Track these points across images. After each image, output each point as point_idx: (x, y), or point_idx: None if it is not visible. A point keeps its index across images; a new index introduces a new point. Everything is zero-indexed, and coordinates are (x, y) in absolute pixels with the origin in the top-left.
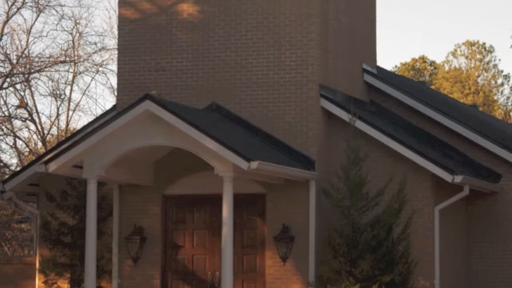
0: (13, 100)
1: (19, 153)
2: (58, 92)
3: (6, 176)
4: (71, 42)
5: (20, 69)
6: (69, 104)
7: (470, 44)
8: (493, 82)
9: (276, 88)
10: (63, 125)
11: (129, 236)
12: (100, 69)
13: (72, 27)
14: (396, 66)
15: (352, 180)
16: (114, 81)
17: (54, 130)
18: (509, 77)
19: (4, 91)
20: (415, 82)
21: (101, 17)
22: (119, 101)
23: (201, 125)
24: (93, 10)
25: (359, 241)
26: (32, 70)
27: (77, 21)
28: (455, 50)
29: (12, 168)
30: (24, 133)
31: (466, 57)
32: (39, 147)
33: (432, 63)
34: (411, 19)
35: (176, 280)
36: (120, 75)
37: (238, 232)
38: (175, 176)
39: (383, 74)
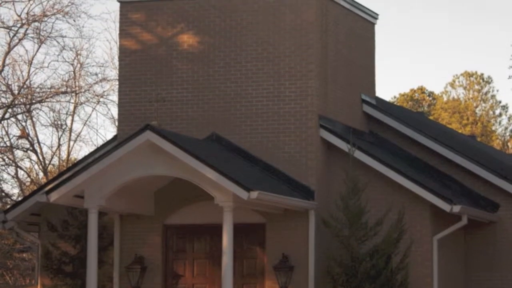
0: (15, 131)
1: (21, 183)
2: (59, 122)
3: (8, 206)
4: (72, 73)
5: (21, 100)
6: (70, 135)
7: (468, 74)
8: (491, 112)
9: (276, 119)
10: (64, 155)
11: (130, 266)
12: (101, 99)
13: (73, 58)
14: (395, 97)
15: (351, 210)
16: (115, 111)
17: (55, 160)
18: (507, 108)
19: (6, 121)
20: (414, 112)
21: (102, 48)
22: (120, 132)
23: (201, 155)
24: (94, 41)
25: (358, 271)
26: (34, 101)
27: (78, 52)
28: (454, 81)
29: (14, 198)
30: (26, 163)
31: (465, 88)
32: (40, 177)
33: (431, 93)
34: (410, 50)
35: None
36: (121, 106)
37: (238, 262)
38: (176, 206)
39: (382, 105)
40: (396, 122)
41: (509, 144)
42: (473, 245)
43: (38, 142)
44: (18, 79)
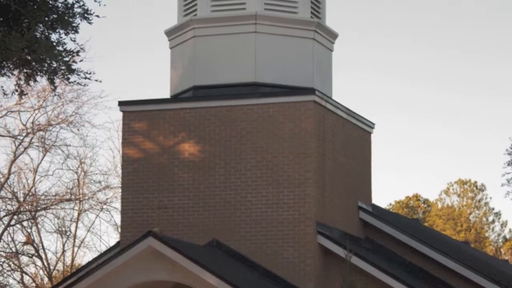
0: (20, 237)
1: None
2: (63, 229)
3: None
4: (76, 180)
5: (27, 207)
6: (74, 241)
7: (462, 182)
8: (484, 219)
9: (275, 225)
10: (68, 261)
11: None
12: (105, 206)
13: (77, 166)
14: (390, 204)
15: None
16: (118, 218)
17: (60, 266)
18: (500, 215)
19: (11, 228)
20: (409, 219)
21: (105, 157)
22: (123, 238)
23: (202, 260)
24: (98, 150)
25: None
26: (39, 208)
27: (82, 160)
28: (448, 189)
29: None
30: (31, 269)
31: (459, 195)
32: (45, 282)
33: (426, 201)
34: (405, 159)
35: None
36: (123, 213)
37: None
38: None
39: (378, 212)
40: (392, 228)
41: (502, 250)
42: None
43: (43, 248)
44: (24, 186)
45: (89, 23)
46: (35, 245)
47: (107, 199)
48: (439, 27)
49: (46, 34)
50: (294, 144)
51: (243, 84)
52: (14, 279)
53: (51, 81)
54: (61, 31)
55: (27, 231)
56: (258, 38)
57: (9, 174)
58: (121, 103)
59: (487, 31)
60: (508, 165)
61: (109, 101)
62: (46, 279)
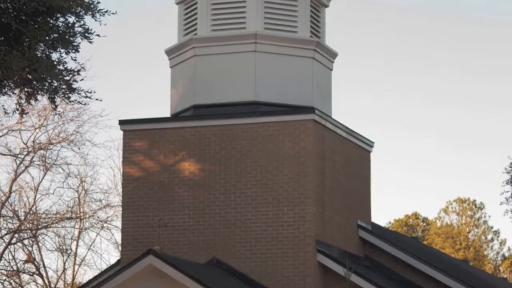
0: (21, 255)
1: None
2: (64, 247)
3: None
4: (77, 199)
5: (27, 225)
6: (75, 259)
7: (461, 201)
8: (483, 237)
9: (275, 244)
10: (69, 279)
11: None
12: (105, 225)
13: (78, 184)
14: (390, 222)
15: None
16: (118, 236)
17: (60, 284)
18: (498, 233)
19: (12, 246)
20: (408, 237)
21: (106, 175)
22: (123, 256)
23: (202, 279)
24: (98, 168)
25: None
26: (40, 226)
27: (83, 179)
28: (447, 207)
29: None
30: (32, 287)
31: (457, 214)
32: None
33: (425, 219)
34: (404, 177)
35: None
36: (124, 231)
37: None
38: None
39: (377, 230)
40: (391, 247)
41: (501, 268)
42: None
43: (44, 267)
44: (24, 205)
45: (90, 42)
46: (36, 263)
47: (107, 217)
48: (439, 45)
49: (47, 53)
50: (294, 162)
51: (243, 103)
52: None
53: (52, 100)
54: (62, 50)
55: (28, 249)
56: (258, 57)
57: (10, 192)
58: (121, 122)
59: (486, 49)
60: (507, 183)
61: (110, 120)
62: None
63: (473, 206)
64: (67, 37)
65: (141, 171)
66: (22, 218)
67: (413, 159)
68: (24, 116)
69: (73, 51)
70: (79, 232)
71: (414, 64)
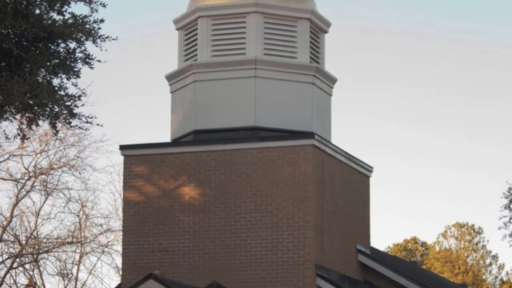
0: (22, 280)
1: None
2: (65, 271)
3: None
4: (78, 224)
5: (29, 250)
6: (76, 283)
7: (459, 225)
8: (481, 262)
9: (274, 268)
10: None
11: None
12: (106, 249)
13: (79, 209)
14: (389, 247)
15: None
16: (119, 261)
17: None
18: (497, 257)
19: (14, 270)
20: (407, 262)
21: (106, 200)
22: (124, 280)
23: None
24: (99, 193)
25: None
26: (41, 251)
27: (84, 203)
28: (446, 232)
29: None
30: None
31: (456, 238)
32: None
33: (424, 244)
34: (403, 202)
35: None
36: (124, 256)
37: None
38: None
39: (376, 255)
40: (390, 271)
41: None
42: None
43: None
44: (26, 229)
45: (91, 67)
46: (37, 287)
47: (108, 242)
48: (439, 71)
49: (48, 78)
50: (294, 187)
51: (243, 128)
52: None
53: (53, 125)
54: (63, 76)
55: (29, 274)
56: (257, 83)
57: (12, 217)
58: (122, 147)
59: (487, 74)
60: (505, 208)
61: (110, 145)
62: None
63: (472, 231)
64: (68, 62)
65: (142, 196)
66: (24, 242)
67: (412, 184)
68: (25, 141)
69: (74, 76)
70: (80, 257)
71: (413, 90)
